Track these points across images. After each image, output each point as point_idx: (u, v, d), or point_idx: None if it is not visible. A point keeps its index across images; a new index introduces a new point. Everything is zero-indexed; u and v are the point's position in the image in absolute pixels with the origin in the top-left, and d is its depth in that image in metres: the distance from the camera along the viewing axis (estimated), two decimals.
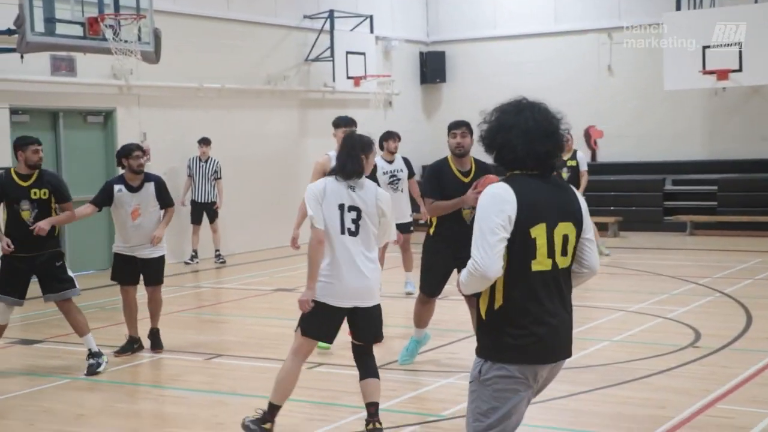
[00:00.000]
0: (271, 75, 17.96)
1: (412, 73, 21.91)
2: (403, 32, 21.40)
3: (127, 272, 8.95)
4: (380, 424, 6.19)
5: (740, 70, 17.33)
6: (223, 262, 15.68)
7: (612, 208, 19.10)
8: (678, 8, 18.38)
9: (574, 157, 14.07)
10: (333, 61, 18.42)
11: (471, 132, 7.61)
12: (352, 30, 19.21)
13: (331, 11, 18.65)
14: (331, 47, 18.45)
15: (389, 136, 11.70)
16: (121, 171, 9.05)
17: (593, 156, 20.38)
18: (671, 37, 17.88)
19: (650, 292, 11.55)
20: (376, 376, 6.23)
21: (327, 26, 18.60)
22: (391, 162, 11.61)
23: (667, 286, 12.17)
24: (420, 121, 21.86)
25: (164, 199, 8.99)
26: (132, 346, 9.02)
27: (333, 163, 8.19)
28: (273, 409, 6.22)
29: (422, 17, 22.21)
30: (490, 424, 4.02)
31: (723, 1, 18.46)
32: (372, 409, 6.19)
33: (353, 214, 6.02)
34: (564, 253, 4.01)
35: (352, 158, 6.11)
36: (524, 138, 4.00)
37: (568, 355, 4.14)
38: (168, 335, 9.81)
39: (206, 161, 15.66)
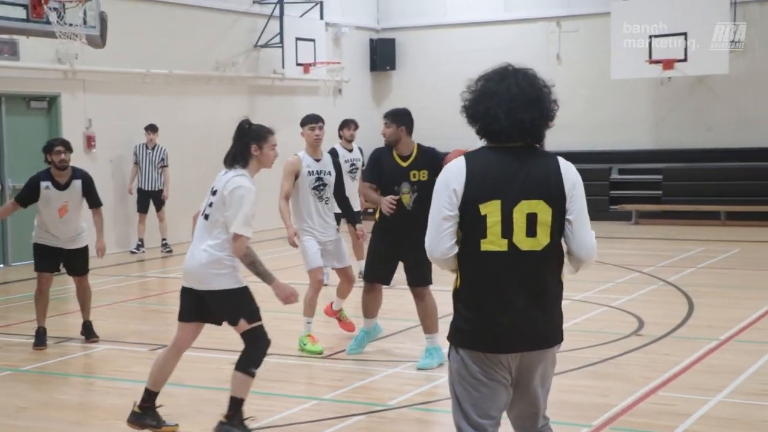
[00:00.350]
0: (219, 61, 17.81)
1: (362, 60, 21.86)
2: (353, 19, 21.33)
3: (48, 259, 8.76)
4: (225, 419, 5.87)
5: (685, 60, 17.57)
6: (170, 251, 15.54)
7: None
8: None
9: None
10: (282, 47, 18.31)
11: (396, 121, 7.69)
12: (301, 16, 19.10)
13: None
14: (281, 33, 18.33)
15: (345, 125, 11.81)
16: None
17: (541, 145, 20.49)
18: (618, 27, 18.07)
19: (595, 281, 11.67)
20: (239, 368, 5.86)
21: (276, 12, 18.47)
22: (350, 150, 11.74)
23: (612, 274, 12.31)
24: (370, 109, 21.81)
25: (92, 199, 8.78)
26: (44, 336, 8.84)
27: (303, 163, 8.25)
28: (147, 394, 6.11)
29: (372, 4, 22.16)
30: (464, 414, 3.84)
31: None
32: (229, 403, 5.90)
33: (211, 198, 5.96)
34: (531, 233, 3.72)
35: (232, 146, 6.04)
36: (508, 106, 3.73)
37: (536, 346, 3.82)
38: (112, 325, 9.72)
39: (153, 148, 15.49)
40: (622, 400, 6.67)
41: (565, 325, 9.27)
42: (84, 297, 9.02)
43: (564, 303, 9.74)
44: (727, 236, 16.23)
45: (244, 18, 18.43)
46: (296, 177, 8.27)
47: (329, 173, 8.38)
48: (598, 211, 19.19)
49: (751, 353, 7.92)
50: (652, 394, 6.85)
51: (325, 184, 8.34)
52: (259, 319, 5.89)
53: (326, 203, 8.42)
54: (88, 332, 8.99)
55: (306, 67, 18.71)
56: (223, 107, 17.97)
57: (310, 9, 19.27)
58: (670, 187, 18.91)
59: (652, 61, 17.77)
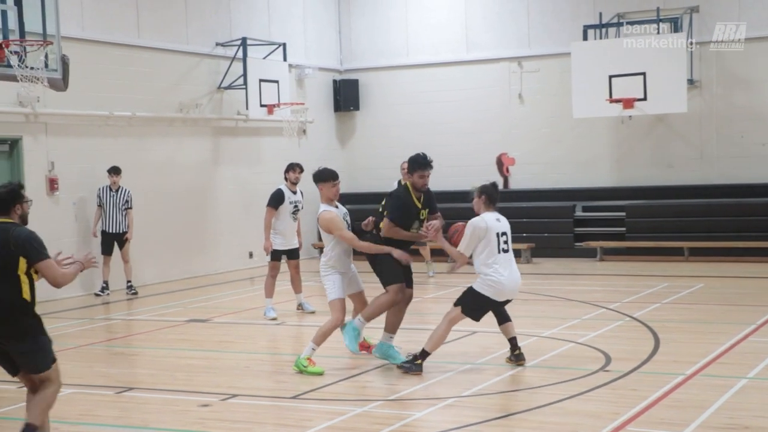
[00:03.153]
0: (183, 103, 17.80)
1: (326, 101, 21.95)
2: (317, 60, 21.44)
3: None
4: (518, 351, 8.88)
5: (645, 98, 17.83)
6: (135, 294, 15.41)
7: (524, 234, 19.34)
8: (585, 38, 18.85)
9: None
10: (246, 88, 18.35)
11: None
12: (265, 58, 19.17)
13: (244, 39, 18.60)
14: (244, 75, 18.38)
15: (290, 168, 12.77)
16: None
17: (505, 183, 20.67)
18: (578, 67, 18.33)
19: (562, 318, 11.72)
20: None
21: (240, 54, 18.53)
22: (294, 192, 12.69)
23: (578, 311, 12.36)
24: (334, 149, 21.88)
25: None
26: None
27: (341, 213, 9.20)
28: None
29: (335, 45, 22.30)
30: None
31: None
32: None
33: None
34: None
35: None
36: None
37: None
38: (78, 369, 9.61)
39: (117, 191, 15.40)
40: None
41: (533, 362, 9.38)
42: None
43: (531, 340, 9.92)
44: (691, 272, 16.38)
45: (208, 60, 18.46)
46: None
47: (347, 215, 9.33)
48: (563, 249, 19.33)
49: (716, 388, 7.98)
50: (620, 429, 6.87)
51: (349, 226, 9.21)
52: None
53: None
54: None
55: (270, 108, 18.76)
56: (186, 149, 17.96)
57: (274, 51, 19.36)
58: (634, 224, 19.08)
59: (612, 100, 18.01)
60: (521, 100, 20.66)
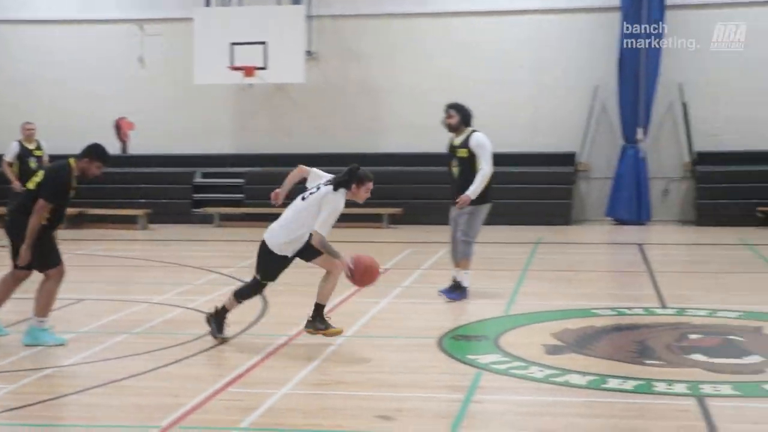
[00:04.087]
0: None
1: None
2: None
3: None
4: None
5: (265, 68, 18.22)
6: None
7: (142, 200, 19.11)
8: (207, 4, 18.88)
9: (39, 147, 15.47)
10: None
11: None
12: None
13: None
14: None
15: None
16: None
17: (124, 148, 20.19)
18: (201, 32, 18.32)
19: (174, 283, 11.69)
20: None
21: None
22: None
23: (191, 277, 12.40)
24: None
25: None
26: None
27: None
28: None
29: None
30: None
31: (250, 0, 19.25)
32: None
33: None
34: None
35: None
36: None
37: None
38: None
39: None
40: (192, 399, 6.74)
41: (140, 328, 9.25)
42: None
43: (142, 306, 9.73)
44: None
45: None
46: None
47: None
48: (181, 215, 19.30)
49: (316, 347, 8.37)
50: (223, 391, 7.00)
51: None
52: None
53: None
54: None
55: None
56: None
57: None
58: (252, 191, 19.47)
59: (233, 68, 18.21)
60: (142, 64, 20.26)
